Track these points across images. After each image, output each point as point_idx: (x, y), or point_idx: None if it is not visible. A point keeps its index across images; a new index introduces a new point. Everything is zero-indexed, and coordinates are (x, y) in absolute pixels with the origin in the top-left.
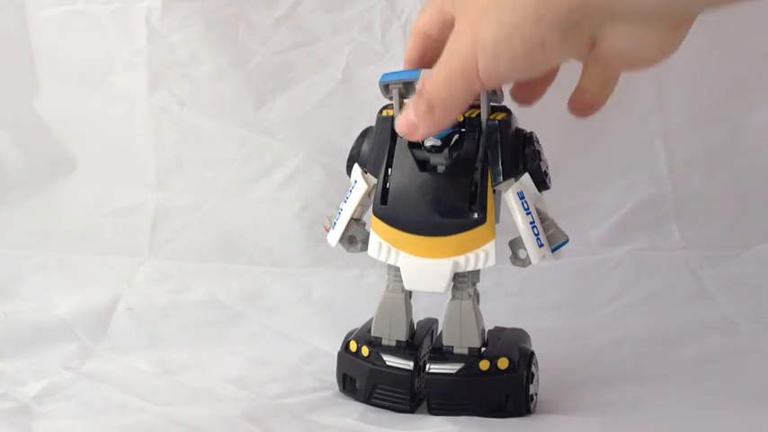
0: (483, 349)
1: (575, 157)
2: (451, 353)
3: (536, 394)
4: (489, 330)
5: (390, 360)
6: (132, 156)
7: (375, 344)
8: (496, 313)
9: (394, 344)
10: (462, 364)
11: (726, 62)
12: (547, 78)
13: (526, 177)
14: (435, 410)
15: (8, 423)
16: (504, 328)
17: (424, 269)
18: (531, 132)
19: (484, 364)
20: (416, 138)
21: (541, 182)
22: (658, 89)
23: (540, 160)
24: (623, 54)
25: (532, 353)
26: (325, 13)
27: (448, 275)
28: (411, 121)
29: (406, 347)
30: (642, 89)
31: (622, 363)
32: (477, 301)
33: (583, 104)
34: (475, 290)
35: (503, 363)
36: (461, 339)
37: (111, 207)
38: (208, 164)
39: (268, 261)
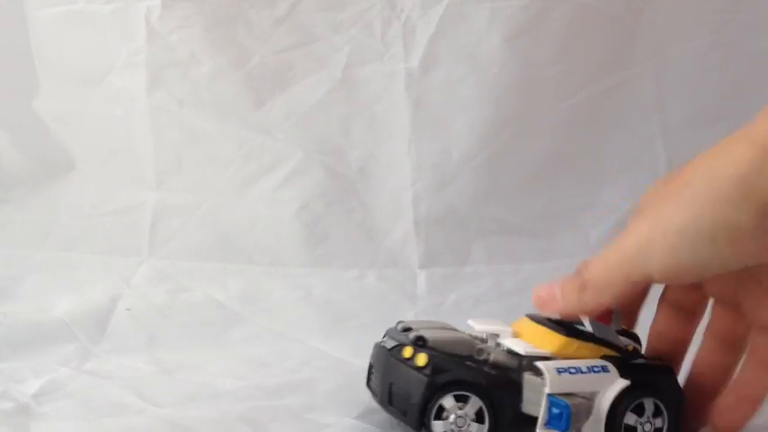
0: None
1: (575, 157)
2: None
3: None
4: None
5: None
6: (131, 155)
7: None
8: (496, 313)
9: None
10: None
11: (726, 62)
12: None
13: None
14: None
15: (7, 425)
16: None
17: None
18: None
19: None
20: (549, 310)
21: None
22: (658, 89)
23: None
24: None
25: None
26: (325, 12)
27: None
28: (553, 294)
29: None
30: (642, 89)
31: None
32: None
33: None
34: None
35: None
36: None
37: (110, 207)
38: (207, 164)
39: (267, 261)
